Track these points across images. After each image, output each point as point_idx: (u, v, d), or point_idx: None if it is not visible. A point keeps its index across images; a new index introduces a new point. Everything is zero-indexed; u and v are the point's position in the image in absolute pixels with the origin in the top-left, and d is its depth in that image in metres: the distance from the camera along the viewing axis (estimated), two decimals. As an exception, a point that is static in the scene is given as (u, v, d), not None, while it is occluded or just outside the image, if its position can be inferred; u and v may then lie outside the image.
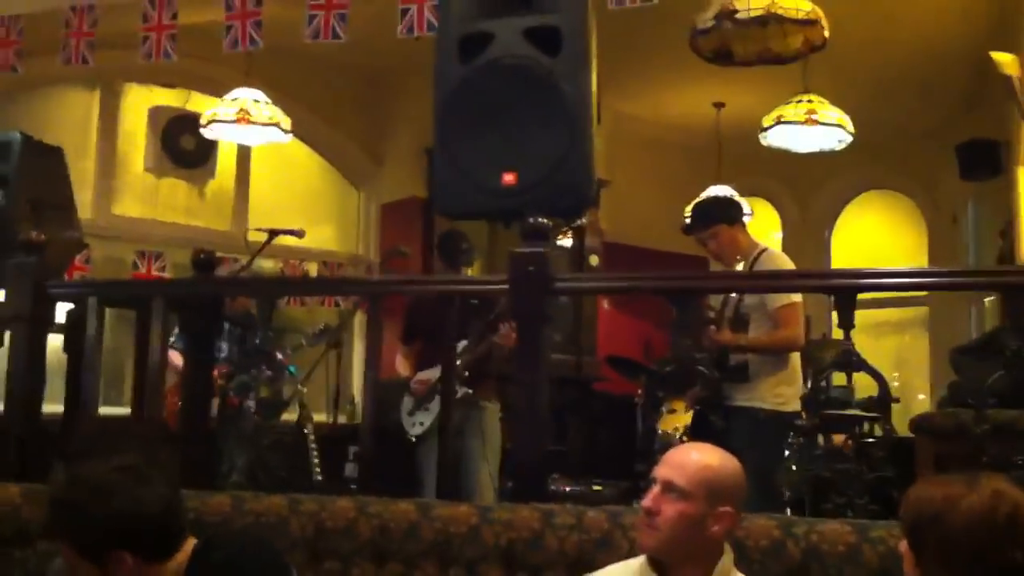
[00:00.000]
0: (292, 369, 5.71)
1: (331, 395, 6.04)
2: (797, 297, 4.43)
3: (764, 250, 4.65)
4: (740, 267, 4.60)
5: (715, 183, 8.62)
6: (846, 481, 3.45)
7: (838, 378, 5.67)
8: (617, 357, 6.90)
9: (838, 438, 4.03)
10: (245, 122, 6.35)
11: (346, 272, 8.12)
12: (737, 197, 8.43)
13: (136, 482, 2.15)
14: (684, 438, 4.67)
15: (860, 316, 2.99)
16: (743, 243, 4.66)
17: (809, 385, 4.40)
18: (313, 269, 7.72)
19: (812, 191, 10.36)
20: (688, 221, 4.84)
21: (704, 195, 8.29)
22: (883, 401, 3.05)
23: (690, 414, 4.70)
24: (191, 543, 2.18)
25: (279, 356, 5.03)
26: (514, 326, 4.41)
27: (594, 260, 8.26)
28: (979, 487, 2.02)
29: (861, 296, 2.98)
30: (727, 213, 4.72)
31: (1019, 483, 2.08)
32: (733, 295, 4.54)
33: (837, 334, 3.19)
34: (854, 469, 3.28)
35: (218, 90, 6.93)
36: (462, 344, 4.93)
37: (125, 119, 7.81)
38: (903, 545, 2.09)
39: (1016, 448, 3.12)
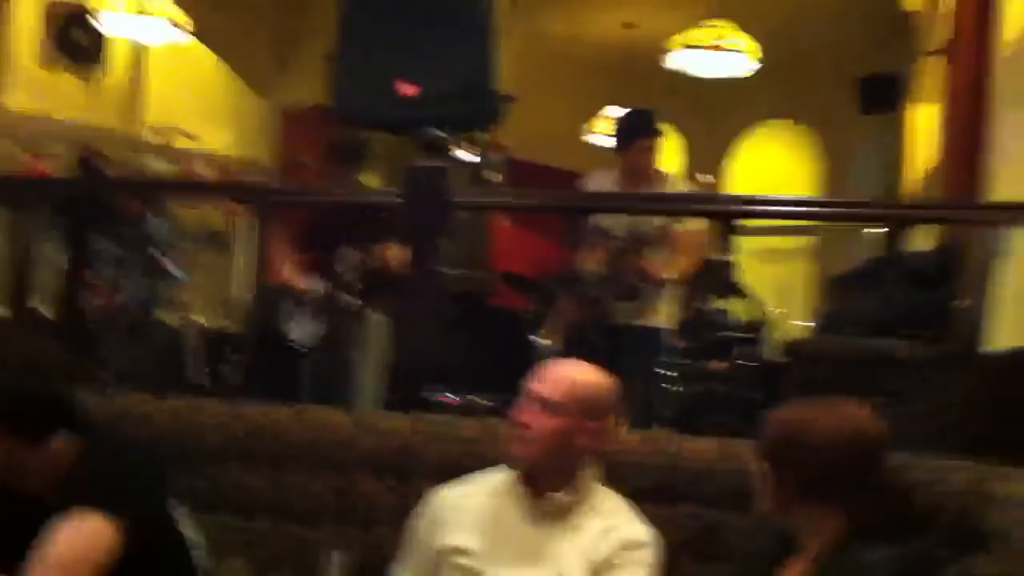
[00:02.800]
0: (181, 274, 5.61)
1: (212, 299, 5.94)
2: (703, 224, 4.47)
3: (668, 175, 4.68)
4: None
5: (619, 104, 8.62)
6: (719, 402, 3.59)
7: (719, 302, 5.80)
8: (511, 274, 6.93)
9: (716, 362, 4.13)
10: (142, 14, 6.12)
11: (243, 178, 7.96)
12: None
13: (28, 363, 2.14)
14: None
15: (750, 242, 3.05)
16: (655, 160, 4.66)
17: (686, 307, 4.48)
18: (207, 173, 7.55)
19: (716, 116, 10.45)
20: (641, 123, 4.66)
21: (605, 114, 8.30)
22: (758, 325, 3.12)
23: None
24: (76, 444, 2.16)
25: (155, 254, 4.91)
26: (395, 249, 4.41)
27: (496, 176, 8.23)
28: (836, 410, 2.10)
29: (753, 223, 3.04)
30: (649, 127, 4.67)
31: (880, 410, 2.16)
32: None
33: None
34: (726, 390, 3.40)
35: (116, -17, 6.67)
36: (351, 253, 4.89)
37: (17, 11, 7.46)
38: (758, 464, 2.17)
39: (882, 376, 3.24)
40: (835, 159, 9.92)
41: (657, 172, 4.66)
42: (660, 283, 4.45)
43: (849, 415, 2.10)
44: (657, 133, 4.59)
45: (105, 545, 1.99)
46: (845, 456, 2.05)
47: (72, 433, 2.16)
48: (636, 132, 4.65)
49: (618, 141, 4.68)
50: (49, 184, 4.17)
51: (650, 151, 4.57)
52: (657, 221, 4.46)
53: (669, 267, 4.46)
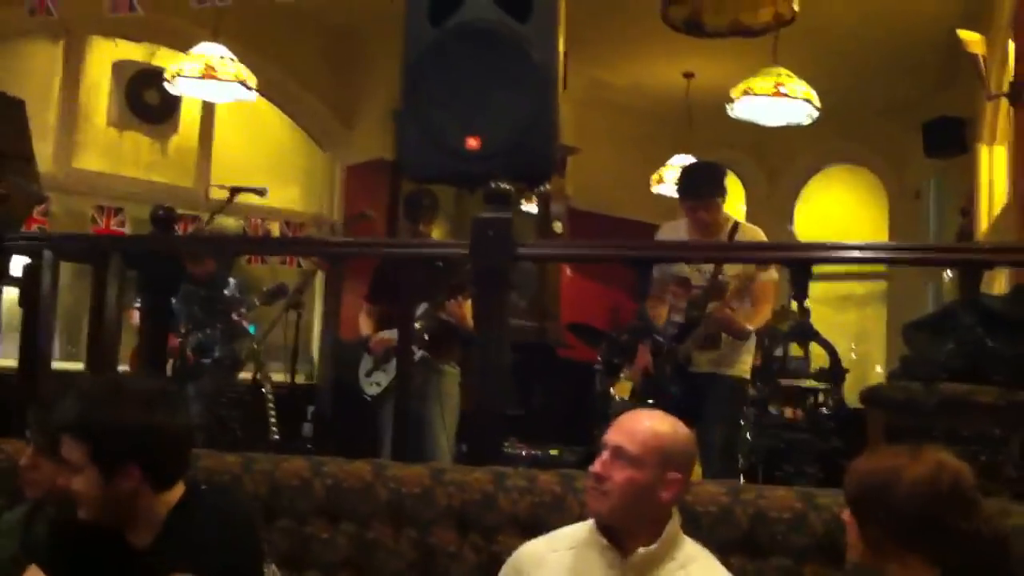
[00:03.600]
0: (252, 328, 5.69)
1: (290, 354, 6.03)
2: (776, 274, 4.47)
3: (738, 223, 4.67)
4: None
5: (682, 153, 8.63)
6: (797, 451, 3.52)
7: (796, 349, 5.76)
8: (578, 324, 6.93)
9: (790, 410, 4.08)
10: (210, 78, 6.28)
11: (309, 232, 8.08)
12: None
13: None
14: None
15: (823, 289, 3.04)
16: (724, 214, 4.67)
17: (762, 355, 4.45)
18: (275, 229, 7.67)
19: (778, 164, 10.42)
20: (690, 184, 4.63)
21: (670, 164, 8.32)
22: (834, 372, 3.09)
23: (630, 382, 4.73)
24: (181, 487, 2.17)
25: (235, 316, 5.00)
26: (465, 297, 4.43)
27: (558, 227, 8.27)
28: (922, 458, 2.06)
29: (822, 269, 3.02)
30: (721, 184, 4.68)
31: (966, 456, 2.12)
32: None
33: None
34: (804, 439, 3.34)
35: (184, 45, 6.84)
36: (424, 307, 4.94)
37: (89, 72, 7.70)
38: (846, 514, 2.14)
39: (964, 422, 3.18)
40: (901, 202, 9.81)
41: (727, 219, 4.65)
42: (744, 334, 4.42)
43: (937, 461, 2.06)
44: (711, 194, 4.57)
45: None
46: (932, 504, 2.01)
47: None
48: (697, 193, 4.62)
49: (680, 194, 4.70)
50: (128, 242, 4.26)
51: (710, 208, 4.57)
52: (734, 270, 4.44)
53: (751, 318, 4.44)
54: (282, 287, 5.71)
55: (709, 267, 4.52)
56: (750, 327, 4.43)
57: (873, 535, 2.07)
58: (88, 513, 2.12)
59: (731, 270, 4.45)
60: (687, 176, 4.79)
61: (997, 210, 7.01)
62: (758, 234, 4.63)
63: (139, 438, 2.08)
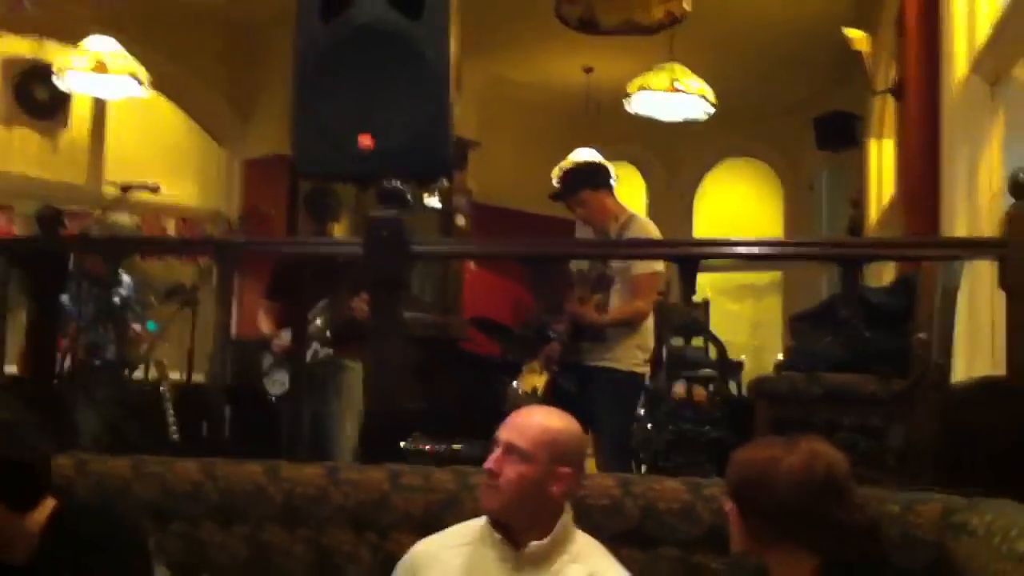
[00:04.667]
0: (151, 325, 5.58)
1: (186, 354, 5.94)
2: (659, 266, 4.55)
3: (632, 216, 4.75)
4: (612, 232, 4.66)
5: (584, 146, 8.72)
6: (690, 442, 3.60)
7: (697, 341, 5.87)
8: (480, 319, 6.95)
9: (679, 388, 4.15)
10: (101, 72, 6.13)
11: (207, 229, 7.96)
12: (603, 161, 8.58)
13: (14, 431, 2.15)
14: (540, 398, 4.77)
15: (722, 279, 3.09)
16: (611, 208, 4.73)
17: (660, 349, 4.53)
18: (172, 226, 7.55)
19: (678, 157, 10.60)
20: (558, 187, 4.87)
21: (570, 158, 8.40)
22: (722, 364, 3.16)
23: (545, 375, 4.79)
24: (50, 503, 2.16)
25: (130, 317, 4.91)
26: (366, 298, 4.43)
27: (461, 220, 8.29)
28: (797, 448, 2.12)
29: (719, 262, 3.09)
30: (593, 179, 4.78)
31: (847, 445, 2.20)
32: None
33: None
34: (698, 431, 3.42)
35: (74, 39, 6.68)
36: (323, 302, 4.91)
37: (-25, 69, 7.49)
38: (728, 505, 2.19)
39: (846, 412, 3.28)
40: (796, 194, 10.08)
41: (621, 212, 4.73)
42: (597, 327, 4.50)
43: (811, 450, 2.11)
44: (571, 192, 4.69)
45: None
46: (807, 494, 2.06)
47: (47, 493, 2.16)
48: (556, 195, 4.83)
49: (558, 195, 4.82)
50: (11, 243, 4.15)
51: (578, 206, 4.68)
52: (617, 264, 4.53)
53: (621, 310, 4.51)
54: (181, 287, 5.62)
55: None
56: (603, 319, 4.50)
57: (753, 525, 2.13)
58: None
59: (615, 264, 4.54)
60: (567, 174, 4.94)
61: (886, 201, 7.23)
62: (648, 228, 4.71)
63: None
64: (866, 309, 3.25)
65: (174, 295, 5.62)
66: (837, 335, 3.16)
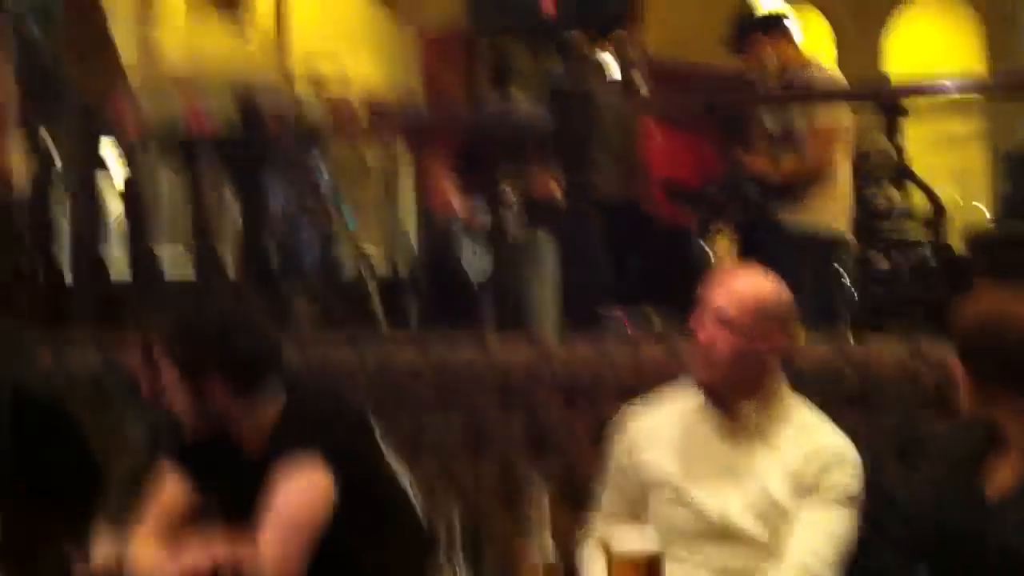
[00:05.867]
0: (348, 215, 5.70)
1: (386, 241, 6.05)
2: (845, 119, 4.33)
3: (813, 65, 4.52)
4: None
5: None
6: (903, 301, 3.46)
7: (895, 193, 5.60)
8: (666, 181, 6.83)
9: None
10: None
11: (390, 105, 8.04)
12: (783, 6, 8.18)
13: (248, 318, 2.25)
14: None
15: (919, 130, 2.92)
16: (789, 55, 4.52)
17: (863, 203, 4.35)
18: (359, 106, 7.64)
19: (864, -1, 10.00)
20: (739, 27, 4.61)
21: (751, 2, 8.04)
22: (935, 216, 3.01)
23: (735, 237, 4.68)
24: (281, 398, 2.24)
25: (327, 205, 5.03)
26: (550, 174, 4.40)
27: (639, 79, 8.09)
28: None
29: (917, 108, 2.91)
30: (766, 25, 4.56)
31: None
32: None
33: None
34: (909, 289, 3.28)
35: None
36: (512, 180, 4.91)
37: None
38: (954, 364, 2.10)
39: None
40: (996, 30, 9.39)
41: (803, 60, 4.51)
42: (802, 178, 4.32)
43: None
44: (743, 38, 4.47)
45: (328, 496, 2.09)
46: None
47: (280, 386, 2.25)
48: (727, 45, 4.59)
49: (732, 45, 4.60)
50: (217, 143, 4.31)
51: (751, 55, 4.46)
52: (803, 118, 4.33)
53: (805, 162, 4.32)
54: (363, 165, 5.70)
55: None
56: (777, 174, 4.33)
57: (983, 382, 2.04)
58: (189, 428, 2.23)
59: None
60: (741, 18, 4.68)
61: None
62: (828, 74, 4.48)
63: (219, 355, 2.17)
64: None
65: (360, 175, 5.71)
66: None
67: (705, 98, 3.51)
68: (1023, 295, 2.02)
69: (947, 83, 3.25)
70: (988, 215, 6.95)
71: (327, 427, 2.20)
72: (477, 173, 5.12)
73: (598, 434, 2.60)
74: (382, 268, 5.50)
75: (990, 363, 2.01)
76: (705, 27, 8.70)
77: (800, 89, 4.30)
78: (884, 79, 7.07)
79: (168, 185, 5.32)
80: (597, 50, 7.69)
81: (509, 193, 4.81)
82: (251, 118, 3.78)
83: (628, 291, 5.12)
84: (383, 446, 2.27)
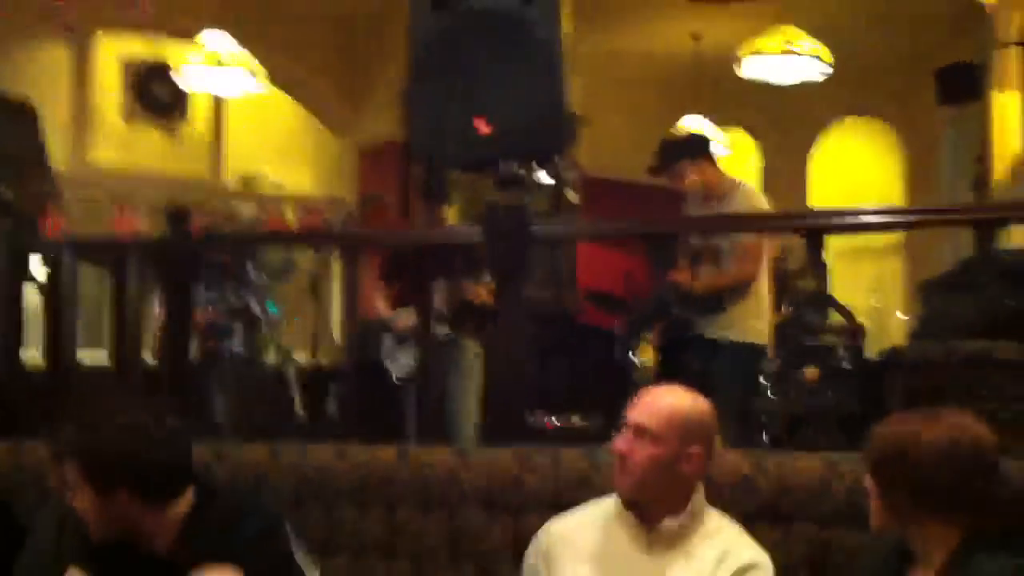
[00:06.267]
0: (273, 309, 5.71)
1: (311, 337, 6.08)
2: (758, 238, 4.47)
3: (735, 184, 4.66)
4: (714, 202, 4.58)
5: (694, 114, 8.60)
6: (818, 414, 3.54)
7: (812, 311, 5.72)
8: (597, 292, 6.93)
9: (811, 371, 4.09)
10: (217, 66, 6.28)
11: (324, 215, 8.11)
12: (713, 129, 8.45)
13: (156, 426, 2.20)
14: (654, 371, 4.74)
15: (839, 241, 3.01)
16: (712, 177, 4.66)
17: (783, 317, 4.46)
18: (290, 214, 7.71)
19: (790, 120, 10.35)
20: (655, 161, 4.81)
21: (679, 126, 8.30)
22: (852, 335, 3.09)
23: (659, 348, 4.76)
24: (190, 493, 2.21)
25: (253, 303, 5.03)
26: (485, 283, 4.45)
27: (572, 196, 8.25)
28: (941, 422, 2.07)
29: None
30: (691, 149, 4.72)
31: (987, 415, 2.13)
32: None
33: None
34: (825, 402, 3.35)
35: (189, 35, 6.85)
36: (440, 284, 4.95)
37: (98, 69, 7.75)
38: (867, 480, 2.15)
39: (984, 380, 3.17)
40: (917, 153, 9.76)
41: (724, 181, 4.66)
42: (734, 292, 4.43)
43: (956, 424, 2.06)
44: (667, 164, 4.63)
45: None
46: (957, 468, 2.02)
47: (188, 486, 2.22)
48: (653, 169, 4.76)
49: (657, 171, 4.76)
50: (145, 244, 4.30)
51: (676, 178, 4.62)
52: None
53: (727, 274, 4.44)
54: (289, 264, 5.73)
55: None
56: (696, 285, 4.43)
57: (894, 501, 2.08)
58: (93, 530, 2.18)
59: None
60: (665, 145, 4.85)
61: (1011, 157, 6.97)
62: (753, 196, 4.63)
63: (125, 464, 2.13)
64: (1003, 274, 3.14)
65: (284, 273, 5.74)
66: (974, 301, 3.05)
67: (637, 224, 3.57)
68: (935, 418, 2.08)
69: (872, 213, 3.37)
70: (903, 321, 7.13)
71: (236, 526, 2.17)
72: (406, 278, 5.17)
73: (516, 542, 2.59)
74: (305, 364, 5.51)
75: (901, 483, 2.06)
76: (635, 147, 8.99)
77: (727, 217, 4.43)
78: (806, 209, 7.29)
79: (91, 287, 5.31)
80: (534, 172, 7.87)
81: (437, 299, 4.86)
82: (180, 223, 3.77)
83: (555, 397, 5.16)
84: (294, 544, 2.23)
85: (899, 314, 8.71)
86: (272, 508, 2.34)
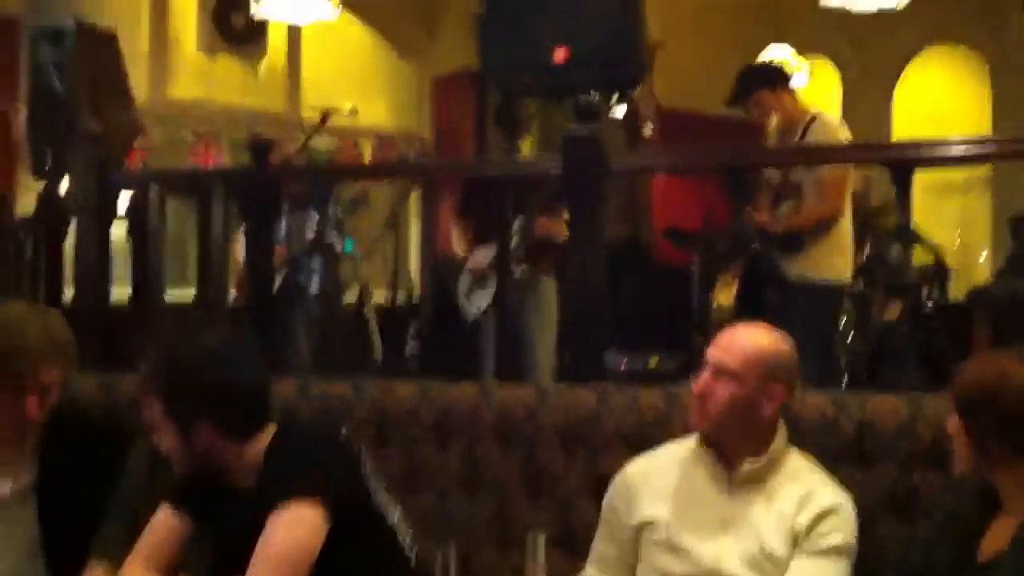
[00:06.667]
0: (349, 248, 5.76)
1: (389, 274, 6.11)
2: (840, 172, 4.36)
3: (815, 117, 4.54)
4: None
5: (773, 41, 8.39)
6: (902, 352, 3.48)
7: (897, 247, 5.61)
8: (674, 229, 6.88)
9: (893, 310, 4.02)
10: (294, -4, 6.28)
11: (400, 149, 8.12)
12: (794, 56, 8.25)
13: (237, 358, 2.24)
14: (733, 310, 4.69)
15: (923, 176, 2.94)
16: (790, 108, 4.55)
17: (866, 255, 4.38)
18: (367, 147, 7.73)
19: (874, 47, 10.05)
20: (731, 93, 4.70)
21: (763, 55, 8.12)
22: (939, 273, 3.03)
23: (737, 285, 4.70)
24: (271, 430, 2.24)
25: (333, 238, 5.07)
26: (559, 217, 4.43)
27: (648, 129, 8.16)
28: None
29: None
30: (768, 78, 4.61)
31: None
32: None
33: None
34: (909, 340, 3.29)
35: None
36: (518, 221, 4.94)
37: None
38: (953, 422, 2.11)
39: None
40: (1005, 80, 9.43)
41: (803, 113, 4.54)
42: (806, 230, 4.35)
43: None
44: (744, 95, 4.51)
45: (319, 534, 2.09)
46: None
47: (267, 420, 2.25)
48: (729, 100, 4.66)
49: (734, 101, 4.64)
50: (228, 174, 4.36)
51: (753, 108, 4.51)
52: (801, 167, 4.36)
53: (809, 214, 4.35)
54: (361, 196, 5.75)
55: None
56: (778, 227, 4.34)
57: (982, 443, 2.05)
58: (177, 467, 2.23)
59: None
60: (744, 72, 4.71)
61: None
62: (832, 128, 4.51)
63: (207, 397, 2.17)
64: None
65: (356, 205, 5.77)
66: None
67: (714, 155, 3.52)
68: (1020, 358, 2.03)
69: (954, 144, 3.27)
70: (989, 262, 6.95)
71: (316, 462, 2.20)
72: (483, 214, 5.17)
73: (595, 480, 2.60)
74: (383, 301, 5.55)
75: (988, 425, 2.02)
76: (712, 78, 8.82)
77: (809, 149, 4.33)
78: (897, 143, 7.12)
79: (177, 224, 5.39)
80: (611, 107, 7.80)
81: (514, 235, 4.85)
82: (263, 155, 3.80)
83: (631, 337, 5.14)
84: (373, 481, 2.27)
85: (984, 255, 8.52)
86: (351, 443, 2.37)
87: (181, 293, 4.41)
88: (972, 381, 2.08)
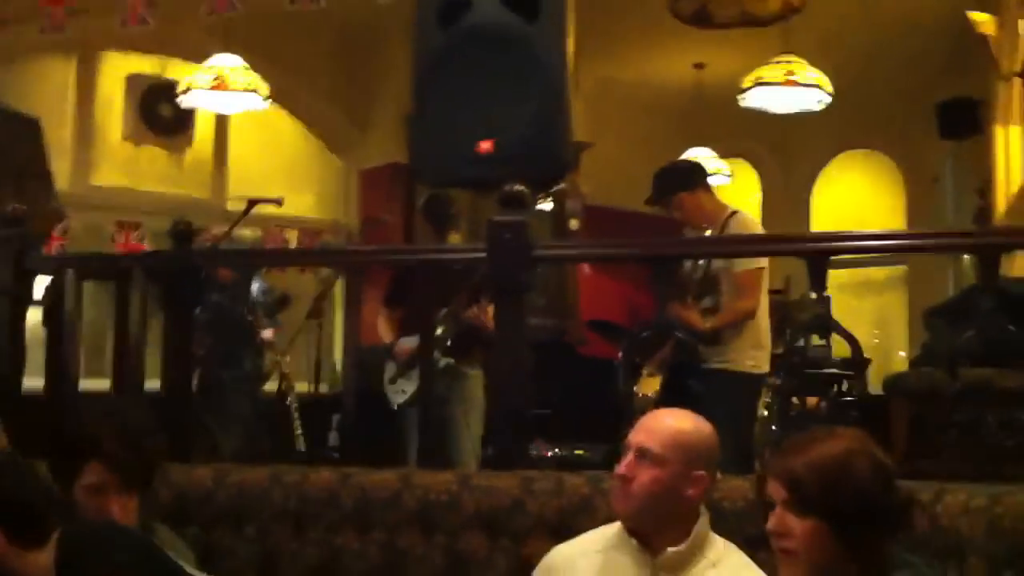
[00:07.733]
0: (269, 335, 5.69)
1: (312, 364, 6.06)
2: (763, 261, 4.44)
3: (733, 213, 4.62)
4: (709, 232, 4.57)
5: (695, 144, 8.61)
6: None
7: (816, 338, 5.72)
8: (598, 321, 6.92)
9: (812, 400, 4.07)
10: (222, 89, 6.30)
11: (326, 239, 8.11)
12: (714, 159, 8.47)
13: (18, 469, 2.26)
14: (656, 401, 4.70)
15: (841, 275, 3.01)
16: (708, 208, 4.61)
17: (785, 346, 4.44)
18: (293, 237, 7.70)
19: (792, 152, 10.39)
20: (652, 192, 4.78)
21: (682, 157, 8.31)
22: (856, 363, 3.08)
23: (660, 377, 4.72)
24: (55, 538, 2.20)
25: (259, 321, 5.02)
26: (486, 306, 4.43)
27: (574, 224, 8.26)
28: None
29: (840, 256, 3.01)
30: (685, 180, 4.68)
31: (992, 442, 2.11)
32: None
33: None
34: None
35: (196, 56, 6.87)
36: (443, 312, 4.94)
37: (102, 87, 7.76)
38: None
39: (987, 408, 3.16)
40: (917, 186, 9.77)
41: (722, 209, 4.62)
42: (701, 331, 4.41)
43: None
44: (663, 196, 4.60)
45: None
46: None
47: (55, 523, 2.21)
48: (650, 200, 4.72)
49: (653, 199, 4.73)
50: (148, 257, 4.28)
51: (674, 209, 4.59)
52: (719, 263, 4.43)
53: (729, 311, 4.41)
54: (286, 296, 5.72)
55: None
56: (706, 325, 4.41)
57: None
58: None
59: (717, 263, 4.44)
60: (659, 176, 4.79)
61: (1014, 190, 6.98)
62: (750, 224, 4.60)
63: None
64: (1005, 301, 3.14)
65: (281, 305, 5.74)
66: (976, 329, 3.04)
67: (636, 245, 3.57)
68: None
69: (875, 237, 3.36)
70: (905, 360, 7.11)
71: (109, 557, 2.16)
72: (410, 305, 5.16)
73: (519, 567, 2.56)
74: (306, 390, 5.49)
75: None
76: (637, 177, 9.00)
77: (728, 240, 4.40)
78: (809, 232, 7.30)
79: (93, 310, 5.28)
80: (537, 198, 7.90)
81: (438, 330, 4.84)
82: (185, 240, 3.74)
83: (556, 427, 5.12)
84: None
85: (901, 353, 8.70)
86: (142, 538, 2.33)
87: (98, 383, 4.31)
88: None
